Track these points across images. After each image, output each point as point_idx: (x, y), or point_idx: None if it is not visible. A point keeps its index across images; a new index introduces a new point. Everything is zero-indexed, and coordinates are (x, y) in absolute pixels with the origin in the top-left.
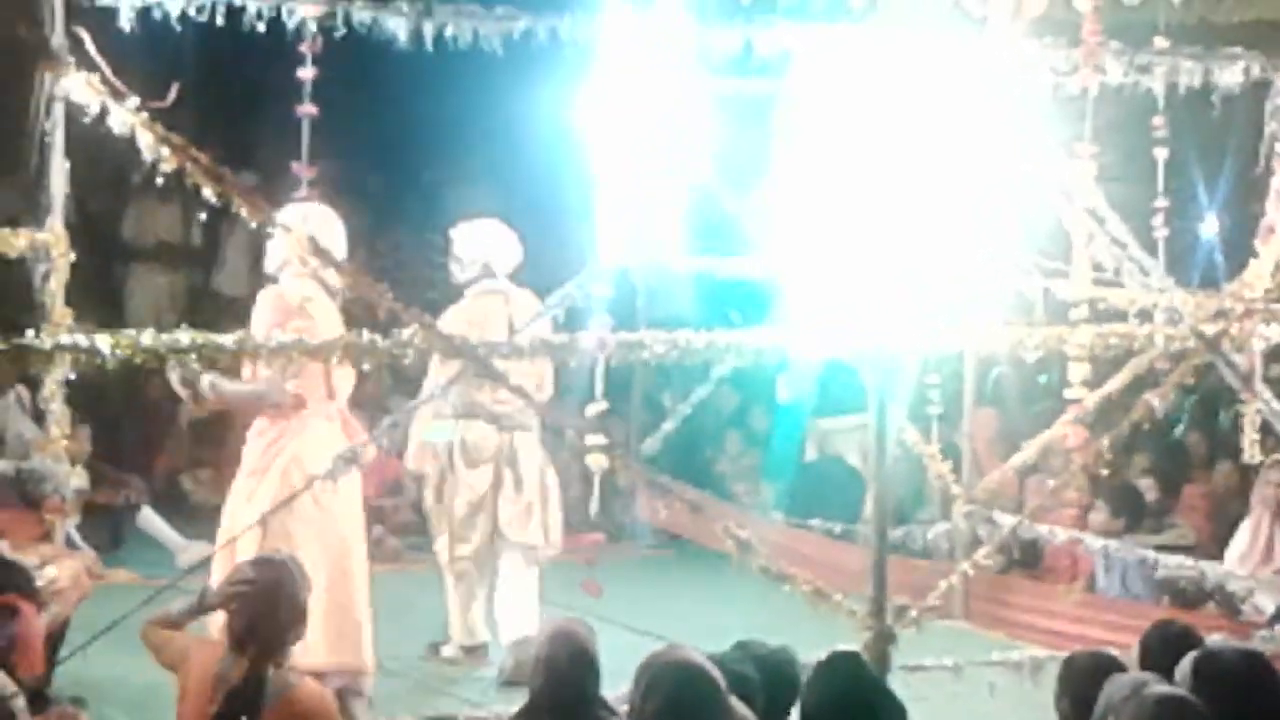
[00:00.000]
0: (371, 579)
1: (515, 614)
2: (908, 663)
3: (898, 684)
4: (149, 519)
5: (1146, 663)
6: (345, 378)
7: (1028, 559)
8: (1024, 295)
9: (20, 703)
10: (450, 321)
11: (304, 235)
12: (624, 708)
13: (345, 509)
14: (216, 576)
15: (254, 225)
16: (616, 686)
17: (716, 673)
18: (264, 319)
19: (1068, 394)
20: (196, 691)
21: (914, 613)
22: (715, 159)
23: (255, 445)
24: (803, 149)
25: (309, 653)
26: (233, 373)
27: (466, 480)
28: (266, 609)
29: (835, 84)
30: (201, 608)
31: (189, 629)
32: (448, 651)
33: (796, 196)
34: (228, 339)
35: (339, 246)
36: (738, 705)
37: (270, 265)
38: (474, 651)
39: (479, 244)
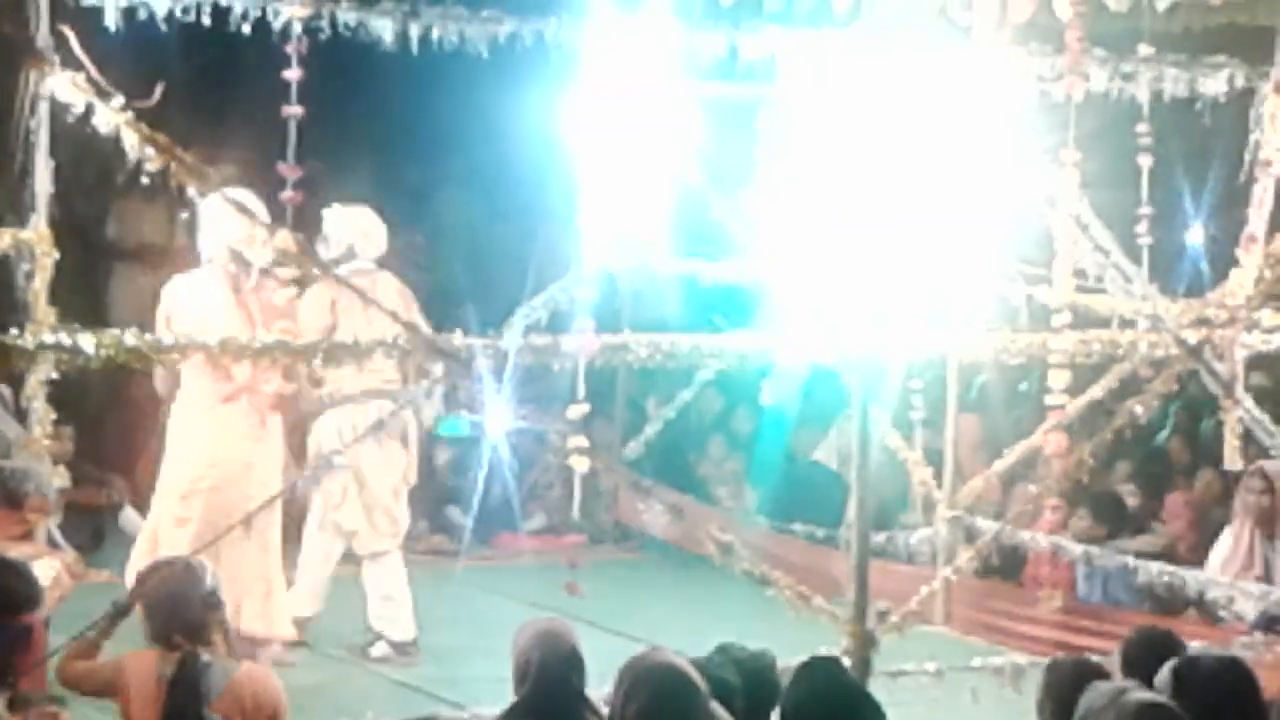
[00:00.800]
0: (353, 581)
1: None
2: (889, 668)
3: (879, 689)
4: (130, 519)
5: (1127, 669)
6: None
7: (1009, 565)
8: (1007, 301)
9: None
10: (315, 298)
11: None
12: (605, 709)
13: (261, 488)
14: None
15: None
16: (598, 689)
17: (697, 676)
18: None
19: (1049, 400)
20: (141, 698)
21: (895, 618)
22: (700, 162)
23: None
24: (787, 153)
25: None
26: None
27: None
28: (174, 602)
29: (820, 89)
30: (116, 614)
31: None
32: (377, 651)
33: (781, 200)
34: (211, 339)
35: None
36: (718, 709)
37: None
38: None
39: (347, 227)
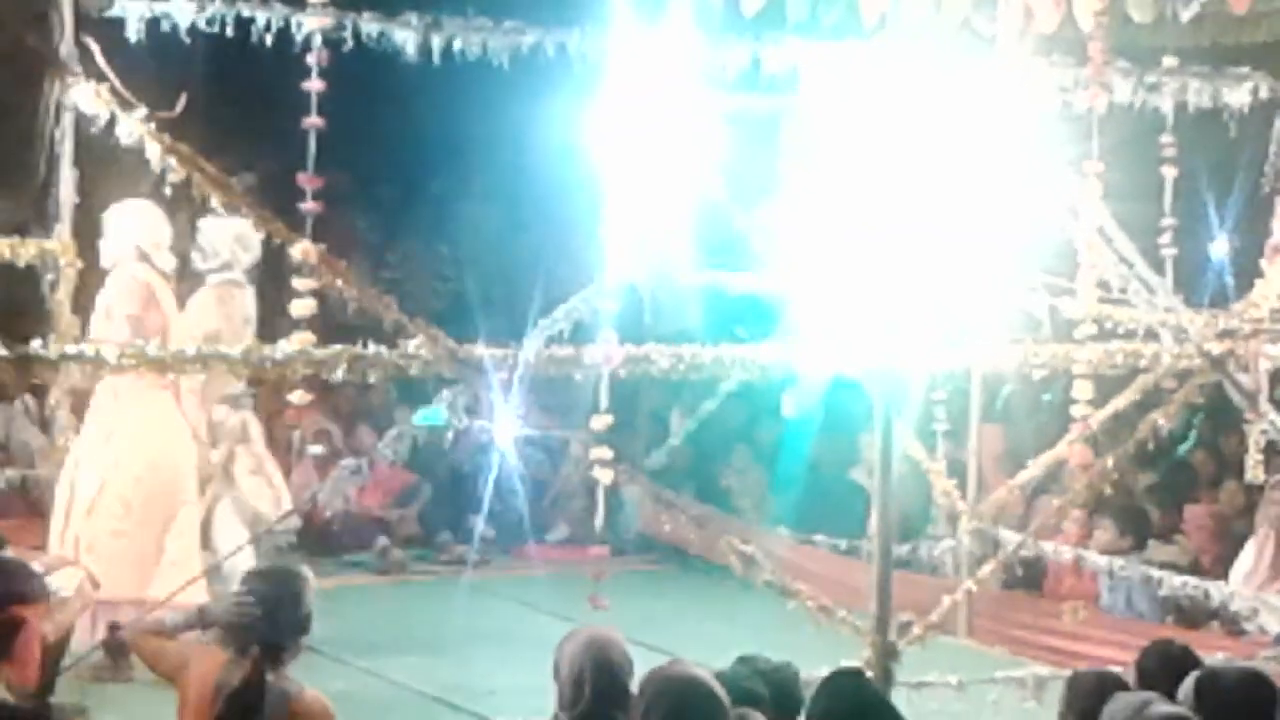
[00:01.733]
0: (376, 591)
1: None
2: (911, 679)
3: (901, 700)
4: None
5: (1142, 683)
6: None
7: (1032, 577)
8: (1030, 313)
9: None
10: (198, 306)
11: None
12: None
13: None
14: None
15: (261, 235)
16: None
17: (719, 688)
18: (121, 298)
19: (1073, 412)
20: (197, 699)
21: (918, 629)
22: (723, 174)
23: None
24: (810, 165)
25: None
26: None
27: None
28: (271, 619)
29: (844, 101)
30: (202, 624)
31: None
32: None
33: (804, 212)
34: (233, 349)
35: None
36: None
37: (108, 260)
38: None
39: (226, 238)
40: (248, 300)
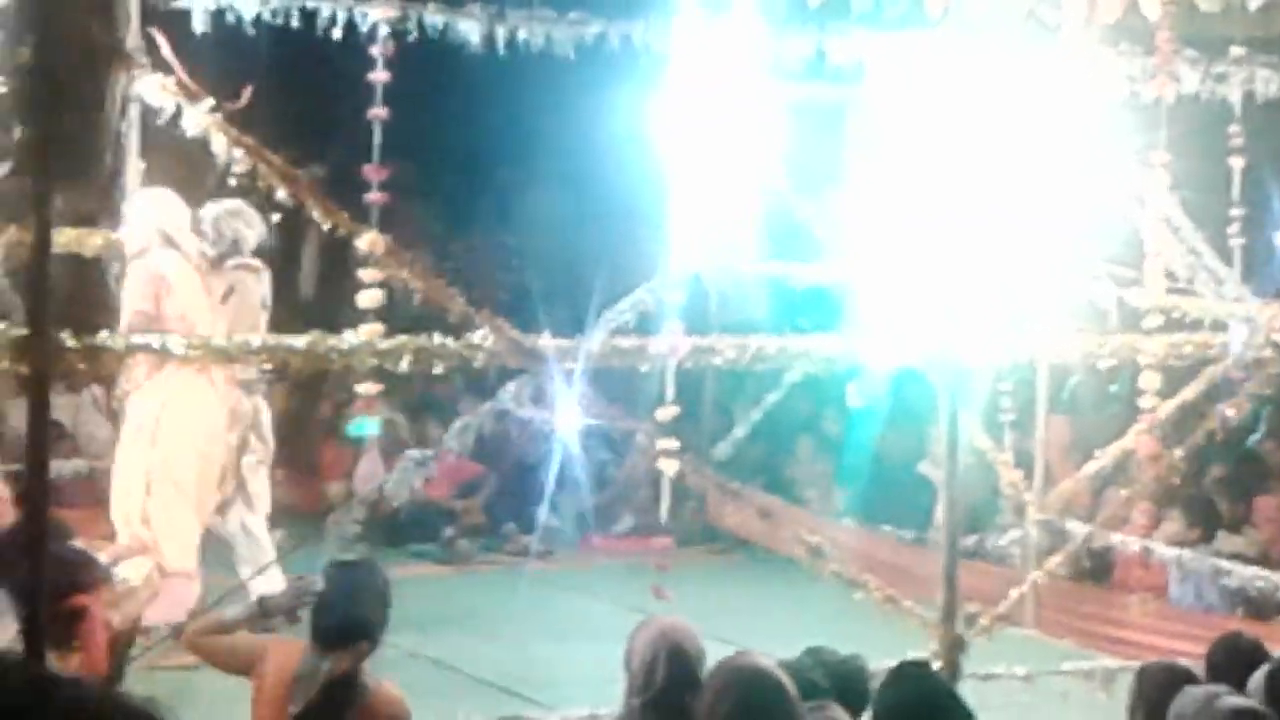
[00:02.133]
0: (441, 581)
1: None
2: (978, 671)
3: (968, 692)
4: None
5: (1212, 675)
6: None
7: (1100, 568)
8: (1097, 303)
9: None
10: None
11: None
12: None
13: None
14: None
15: (327, 227)
16: None
17: (786, 679)
18: (134, 293)
19: (1140, 403)
20: (273, 689)
21: (985, 620)
22: (787, 164)
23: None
24: (875, 155)
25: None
26: None
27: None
28: (355, 609)
29: (908, 91)
30: (264, 614)
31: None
32: None
33: (869, 202)
34: (299, 340)
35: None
36: (836, 711)
37: (133, 247)
38: None
39: (226, 220)
40: (263, 283)
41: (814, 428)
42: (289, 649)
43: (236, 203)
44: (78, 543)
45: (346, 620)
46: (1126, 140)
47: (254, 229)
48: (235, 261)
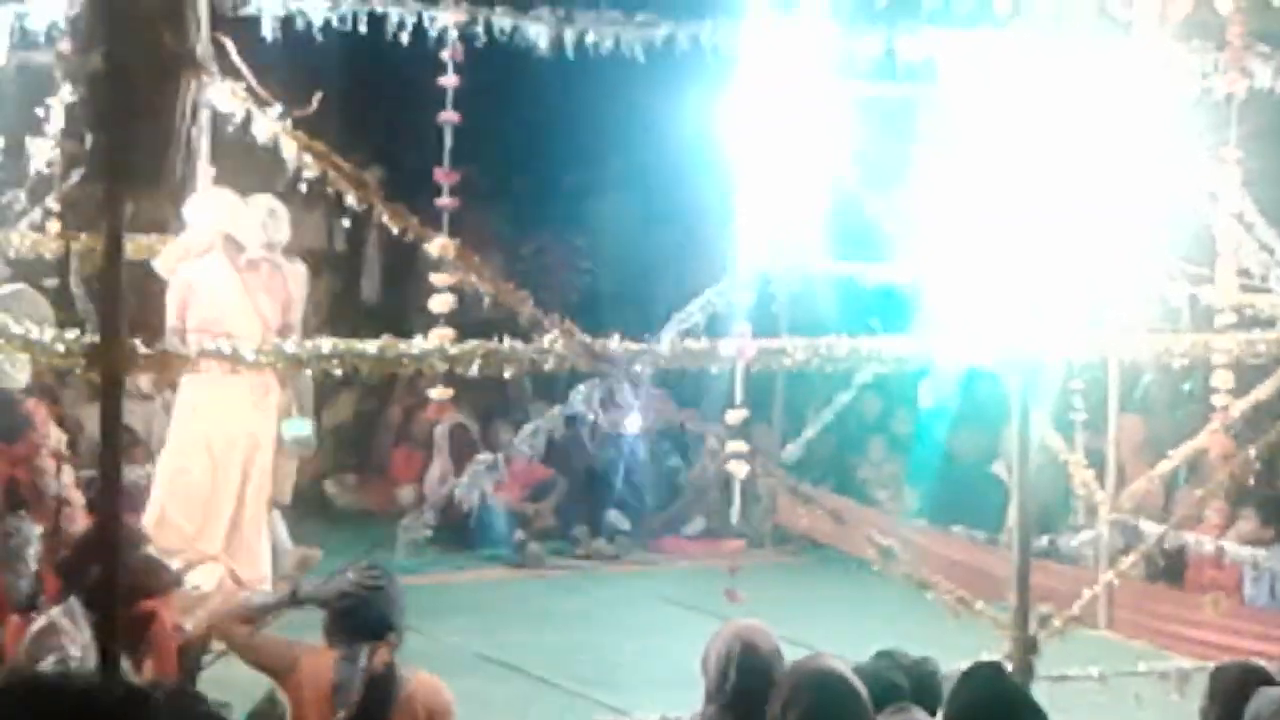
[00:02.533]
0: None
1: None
2: (1051, 672)
3: (1041, 694)
4: (273, 523)
5: None
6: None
7: (1173, 568)
8: (1169, 301)
9: None
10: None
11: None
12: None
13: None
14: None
15: (395, 231)
16: None
17: (859, 682)
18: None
19: (1213, 402)
20: (314, 700)
21: (1058, 621)
22: (857, 164)
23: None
24: (945, 154)
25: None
26: None
27: None
28: (386, 607)
29: (979, 88)
30: (296, 603)
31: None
32: None
33: (939, 201)
34: (370, 345)
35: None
36: (919, 713)
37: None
38: None
39: (256, 219)
40: (295, 278)
41: (885, 428)
42: (321, 661)
43: (266, 199)
44: (150, 549)
45: (378, 614)
46: (1198, 136)
47: (281, 227)
48: (267, 258)
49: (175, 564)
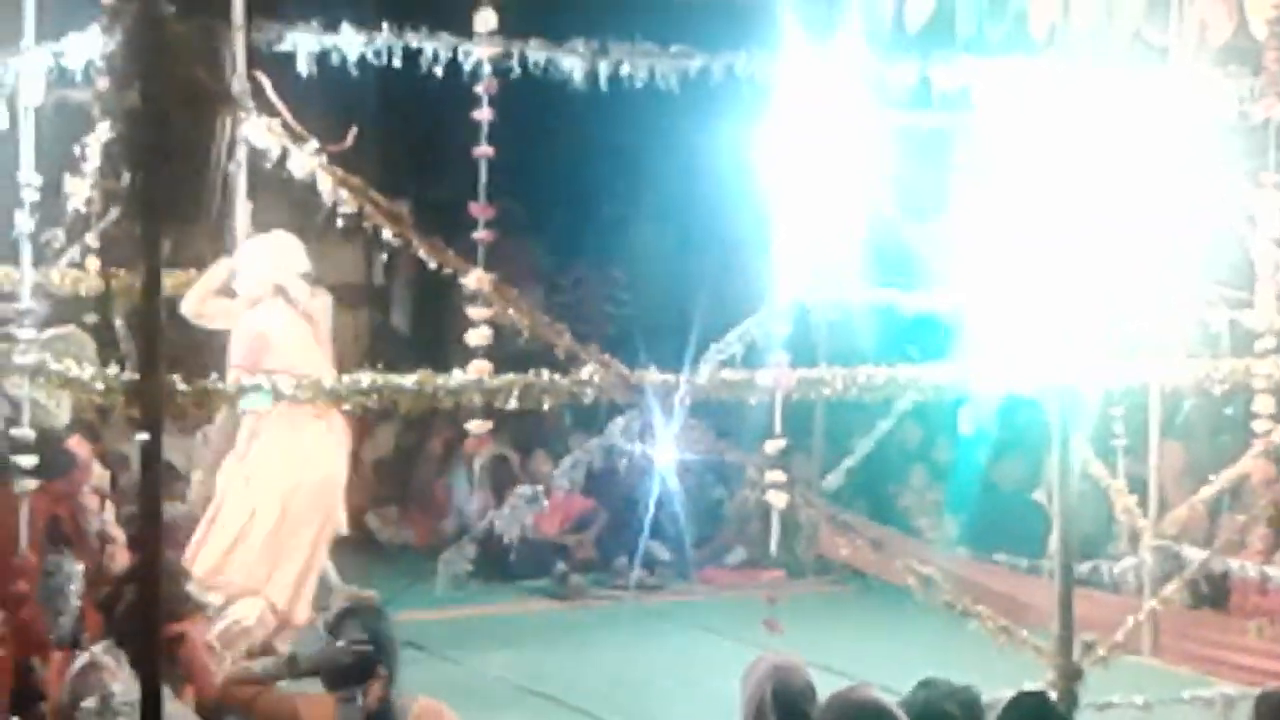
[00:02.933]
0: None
1: None
2: (1096, 700)
3: None
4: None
5: None
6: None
7: (1217, 594)
8: (1209, 327)
9: None
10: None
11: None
12: None
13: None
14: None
15: (434, 265)
16: None
17: (901, 714)
18: (236, 349)
19: (1255, 427)
20: None
21: (1101, 649)
22: (895, 193)
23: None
24: (984, 182)
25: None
26: None
27: None
28: (384, 651)
29: (1015, 116)
30: (293, 672)
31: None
32: None
33: (978, 229)
34: (407, 379)
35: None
36: None
37: (245, 294)
38: None
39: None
40: (323, 310)
41: (926, 456)
42: (320, 708)
43: (280, 235)
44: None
45: (371, 660)
46: (1236, 162)
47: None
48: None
49: (216, 598)
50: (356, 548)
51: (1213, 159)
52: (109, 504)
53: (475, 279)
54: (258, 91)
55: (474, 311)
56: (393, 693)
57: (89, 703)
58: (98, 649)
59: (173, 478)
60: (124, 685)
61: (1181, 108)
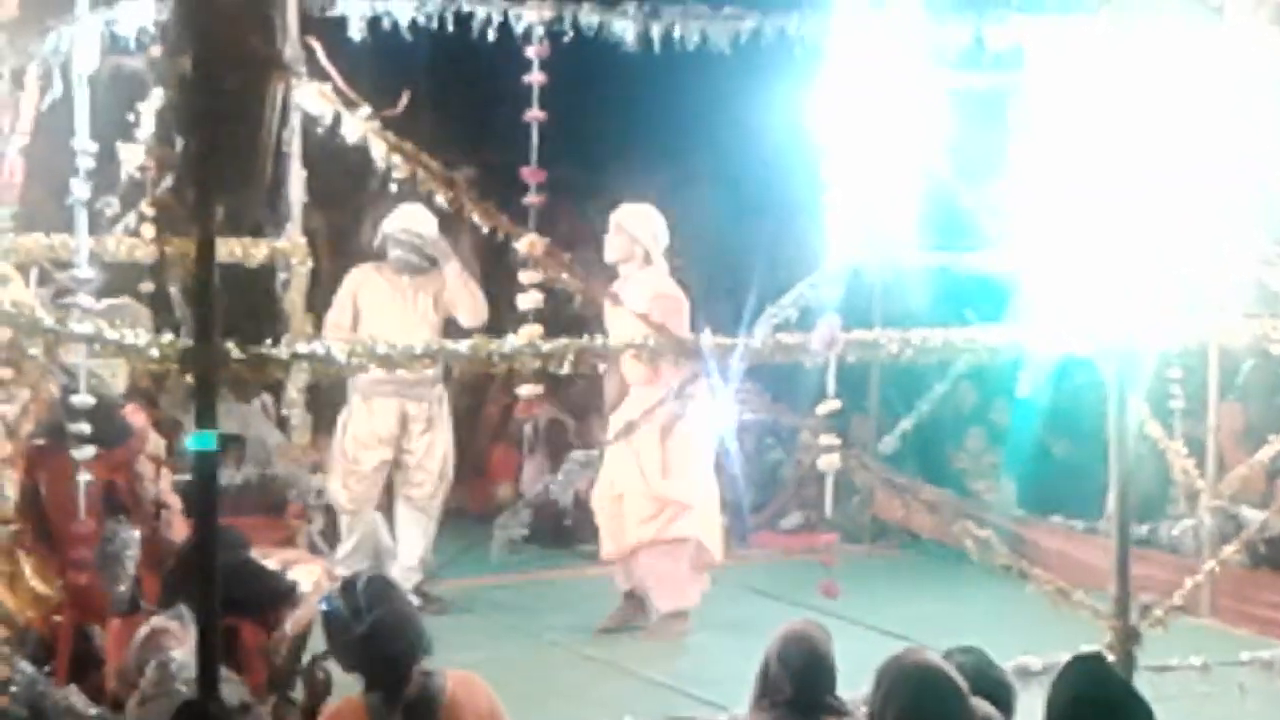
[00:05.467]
0: (608, 581)
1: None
2: (1153, 663)
3: (1143, 684)
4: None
5: None
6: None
7: (1276, 555)
8: (1268, 286)
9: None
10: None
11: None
12: (863, 709)
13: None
14: None
15: (486, 229)
16: (857, 687)
17: (958, 676)
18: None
19: None
20: None
21: (1159, 611)
22: (949, 154)
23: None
24: (1038, 142)
25: None
26: None
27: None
28: (397, 639)
29: (1070, 76)
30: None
31: None
32: None
33: (1032, 190)
34: (461, 344)
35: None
36: (982, 705)
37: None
38: None
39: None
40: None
41: (982, 419)
42: (352, 711)
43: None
44: (253, 552)
45: (397, 653)
46: None
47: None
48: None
49: (272, 564)
50: None
51: (1269, 118)
52: (165, 471)
53: (527, 243)
54: (310, 57)
55: (525, 276)
56: (421, 676)
57: (151, 669)
58: (161, 617)
59: (229, 444)
60: (185, 652)
61: (1237, 65)
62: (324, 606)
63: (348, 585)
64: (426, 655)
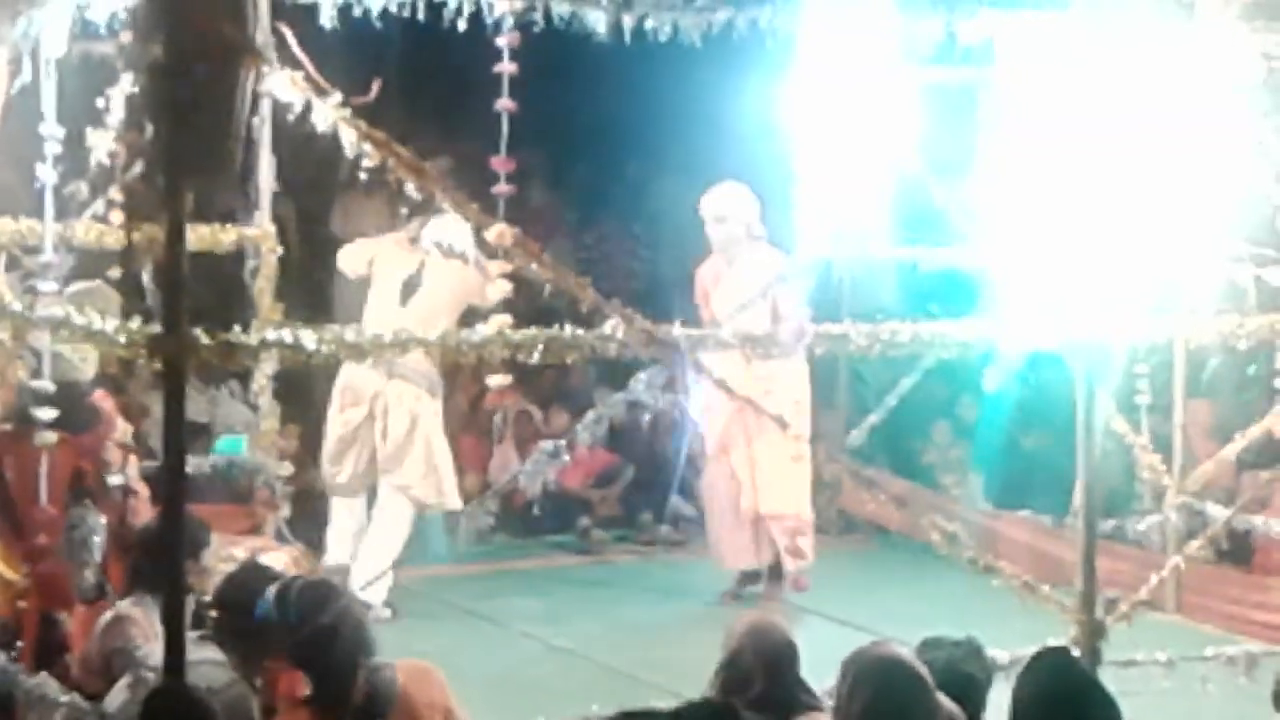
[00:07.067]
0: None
1: (372, 542)
2: (1118, 657)
3: (1108, 678)
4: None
5: None
6: None
7: (1240, 551)
8: (1235, 283)
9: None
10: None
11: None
12: (830, 702)
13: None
14: None
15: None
16: (823, 680)
17: (924, 669)
18: None
19: (1278, 384)
20: None
21: (1125, 606)
22: (920, 149)
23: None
24: (1009, 137)
25: None
26: None
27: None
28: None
29: (1041, 71)
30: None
31: None
32: None
33: (1003, 185)
34: (430, 334)
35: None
36: (945, 702)
37: None
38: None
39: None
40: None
41: (950, 413)
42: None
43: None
44: (214, 538)
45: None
46: (1263, 118)
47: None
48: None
49: (240, 552)
50: None
51: (1240, 116)
52: (132, 458)
53: (496, 233)
54: (281, 44)
55: (495, 265)
56: (372, 665)
57: (116, 655)
58: (125, 603)
59: (195, 432)
60: (151, 639)
61: (1208, 62)
62: (260, 612)
63: (282, 592)
64: (368, 659)
